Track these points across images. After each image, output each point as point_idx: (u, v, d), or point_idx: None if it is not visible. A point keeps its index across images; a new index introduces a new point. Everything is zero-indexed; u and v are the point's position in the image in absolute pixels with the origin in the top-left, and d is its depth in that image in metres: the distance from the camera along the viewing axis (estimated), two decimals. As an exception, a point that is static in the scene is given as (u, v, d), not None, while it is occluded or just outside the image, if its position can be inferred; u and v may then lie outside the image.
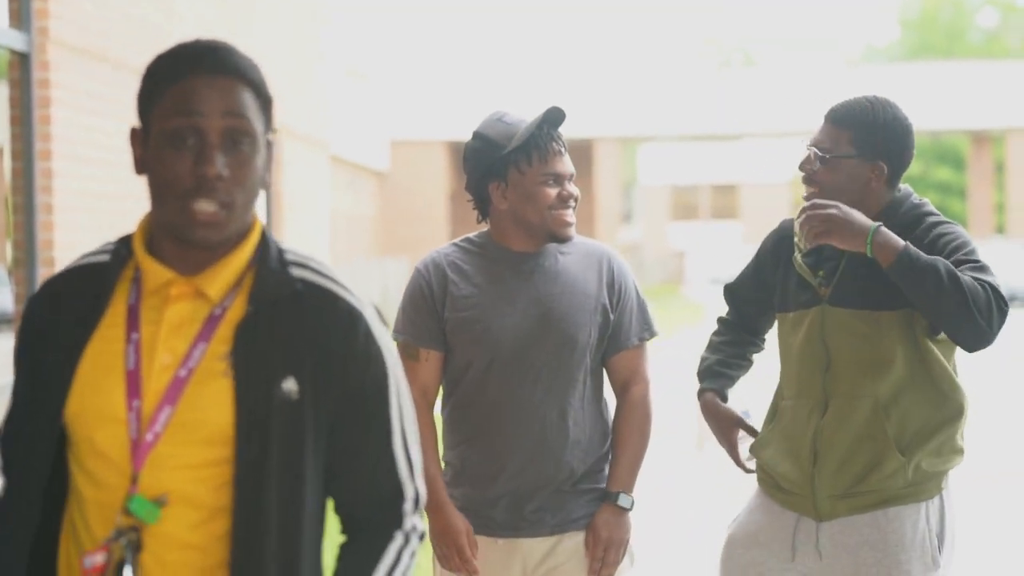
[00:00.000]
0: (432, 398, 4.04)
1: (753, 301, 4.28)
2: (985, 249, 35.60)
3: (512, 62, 60.47)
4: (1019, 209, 41.94)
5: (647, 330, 4.11)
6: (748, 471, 4.15)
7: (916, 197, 3.98)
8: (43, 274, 7.85)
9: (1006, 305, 3.67)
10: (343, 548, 2.47)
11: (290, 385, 2.37)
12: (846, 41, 75.67)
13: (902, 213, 3.92)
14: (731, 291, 4.37)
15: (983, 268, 3.75)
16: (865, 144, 3.91)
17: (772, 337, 4.27)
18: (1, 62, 7.84)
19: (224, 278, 2.41)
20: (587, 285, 4.00)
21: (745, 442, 4.15)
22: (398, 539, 2.46)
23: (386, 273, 28.88)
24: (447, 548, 3.95)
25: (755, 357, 4.38)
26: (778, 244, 4.16)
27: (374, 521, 2.46)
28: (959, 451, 3.96)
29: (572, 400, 3.97)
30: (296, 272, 2.44)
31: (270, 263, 2.43)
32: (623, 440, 4.05)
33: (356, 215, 34.03)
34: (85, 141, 8.04)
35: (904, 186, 4.00)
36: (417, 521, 2.50)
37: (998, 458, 11.77)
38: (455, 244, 4.07)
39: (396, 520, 2.47)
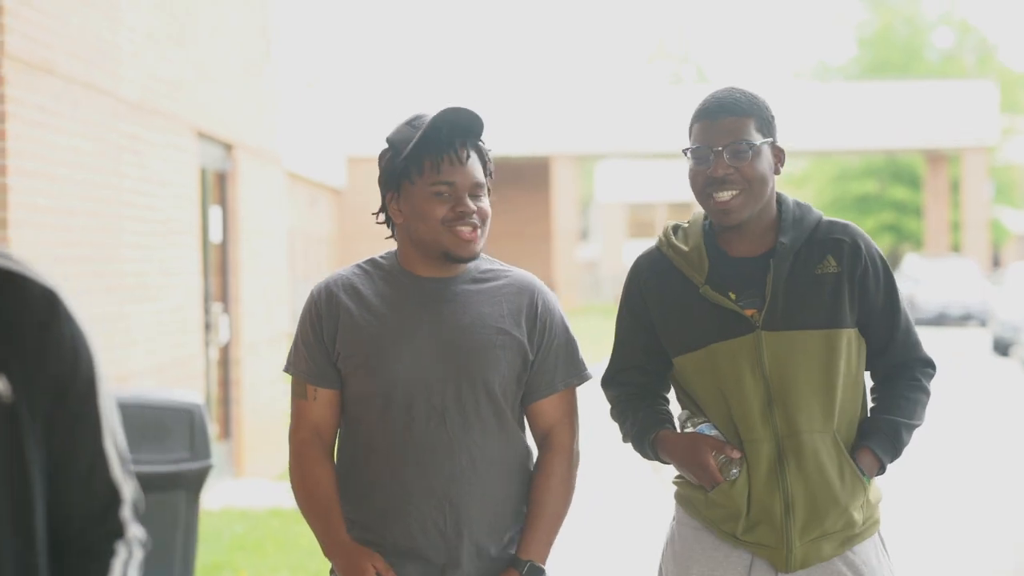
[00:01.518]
0: (328, 438, 3.57)
1: (649, 370, 3.75)
2: (941, 267, 35.77)
3: (469, 79, 60.51)
4: (974, 228, 42.13)
5: (575, 375, 3.59)
6: (731, 480, 3.64)
7: (790, 197, 3.72)
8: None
9: (934, 369, 3.76)
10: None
11: (1, 386, 2.05)
12: (803, 59, 76.09)
13: (799, 218, 3.65)
14: (614, 379, 3.79)
15: (917, 343, 3.75)
16: (765, 126, 3.62)
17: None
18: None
19: None
20: (502, 319, 3.50)
21: (717, 457, 3.62)
22: (122, 553, 2.14)
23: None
24: None
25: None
26: (650, 280, 3.71)
27: (92, 535, 2.14)
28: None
29: (487, 450, 3.48)
30: None
31: None
32: (540, 500, 3.53)
33: (314, 233, 33.88)
34: (36, 156, 7.92)
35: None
36: (138, 529, 2.17)
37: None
38: (358, 265, 3.60)
39: (117, 530, 2.15)
